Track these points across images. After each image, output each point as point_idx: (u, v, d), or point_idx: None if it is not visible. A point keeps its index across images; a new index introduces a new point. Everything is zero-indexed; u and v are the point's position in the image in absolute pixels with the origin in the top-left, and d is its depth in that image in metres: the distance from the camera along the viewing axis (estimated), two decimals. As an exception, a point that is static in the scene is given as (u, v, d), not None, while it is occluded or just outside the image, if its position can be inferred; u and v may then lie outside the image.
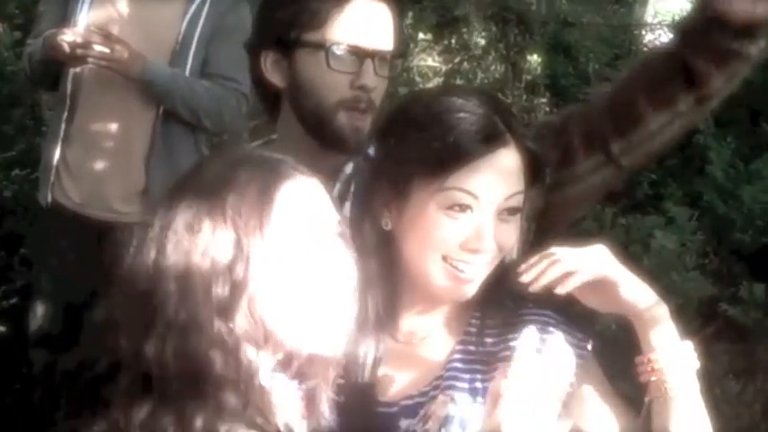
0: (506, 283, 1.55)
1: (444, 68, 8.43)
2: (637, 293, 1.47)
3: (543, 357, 1.26)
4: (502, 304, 1.56)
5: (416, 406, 1.54)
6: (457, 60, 8.57)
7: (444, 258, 1.51)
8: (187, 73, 3.29)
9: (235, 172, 1.31)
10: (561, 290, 1.42)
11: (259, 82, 1.89)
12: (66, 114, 3.32)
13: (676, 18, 6.29)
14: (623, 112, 1.71)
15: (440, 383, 1.54)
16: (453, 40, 8.65)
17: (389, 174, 1.55)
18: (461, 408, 1.48)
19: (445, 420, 1.48)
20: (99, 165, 3.32)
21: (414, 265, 1.55)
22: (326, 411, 1.38)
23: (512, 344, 1.38)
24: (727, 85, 1.71)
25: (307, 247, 1.30)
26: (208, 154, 3.37)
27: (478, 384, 1.52)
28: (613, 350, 3.48)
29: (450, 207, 1.48)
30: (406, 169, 1.52)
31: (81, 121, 3.31)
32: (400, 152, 1.53)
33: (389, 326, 1.59)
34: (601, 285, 1.45)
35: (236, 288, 1.24)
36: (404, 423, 1.52)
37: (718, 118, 4.48)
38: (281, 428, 1.29)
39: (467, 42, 8.84)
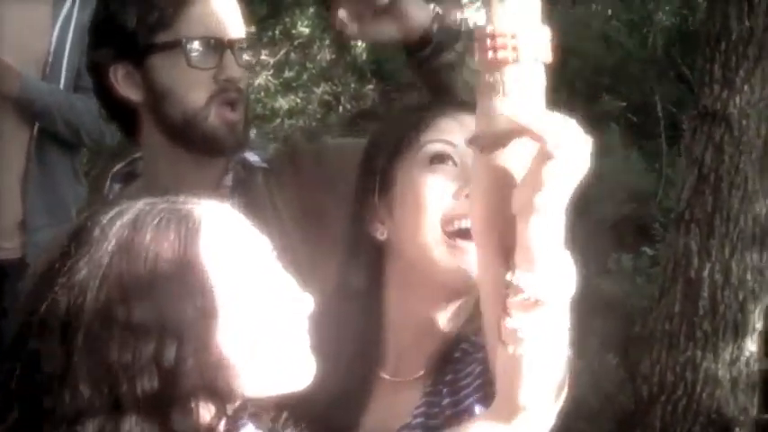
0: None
1: (272, 61, 8.28)
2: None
3: None
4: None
5: None
6: (283, 52, 8.43)
7: (443, 227, 1.45)
8: (62, 87, 3.01)
9: (138, 237, 1.11)
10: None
11: (111, 100, 1.73)
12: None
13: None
14: None
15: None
16: (278, 31, 8.50)
17: (371, 178, 1.53)
18: None
19: None
20: (-28, 198, 2.99)
21: (415, 261, 1.47)
22: None
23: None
24: None
25: (247, 289, 1.13)
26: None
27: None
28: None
29: (431, 161, 1.47)
30: (387, 156, 1.52)
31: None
32: (376, 149, 1.55)
33: (377, 359, 1.50)
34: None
35: (170, 379, 1.07)
36: None
37: (559, 93, 4.50)
38: None
39: (290, 32, 8.73)
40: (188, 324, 1.07)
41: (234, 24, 1.69)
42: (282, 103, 8.48)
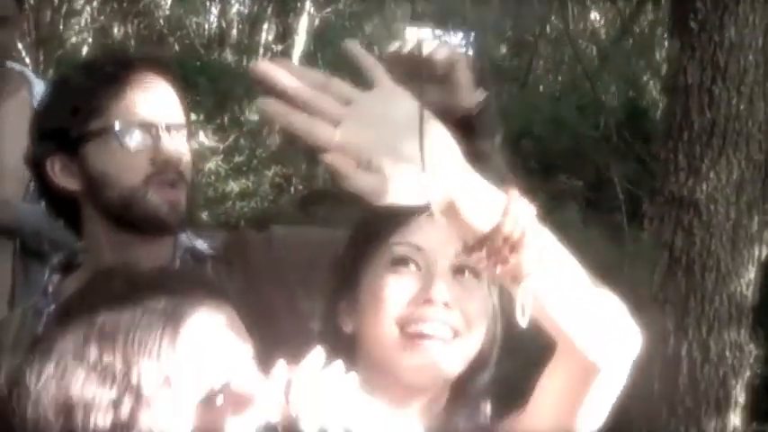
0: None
1: (222, 146, 8.32)
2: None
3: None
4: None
5: None
6: (232, 138, 8.48)
7: (400, 326, 1.46)
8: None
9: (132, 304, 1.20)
10: None
11: (51, 194, 1.74)
12: None
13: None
14: None
15: None
16: (226, 118, 8.56)
17: (339, 274, 1.54)
18: None
19: None
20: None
21: (377, 360, 1.49)
22: None
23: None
24: None
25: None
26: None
27: None
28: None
29: (393, 263, 1.47)
30: (355, 254, 1.52)
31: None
32: (349, 247, 1.54)
33: None
34: None
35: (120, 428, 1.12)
36: None
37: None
38: None
39: (238, 119, 8.78)
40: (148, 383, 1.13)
41: (168, 109, 1.73)
42: (234, 186, 8.50)
